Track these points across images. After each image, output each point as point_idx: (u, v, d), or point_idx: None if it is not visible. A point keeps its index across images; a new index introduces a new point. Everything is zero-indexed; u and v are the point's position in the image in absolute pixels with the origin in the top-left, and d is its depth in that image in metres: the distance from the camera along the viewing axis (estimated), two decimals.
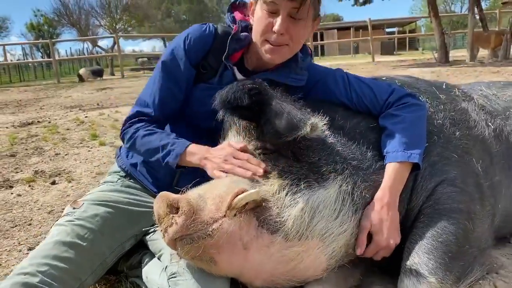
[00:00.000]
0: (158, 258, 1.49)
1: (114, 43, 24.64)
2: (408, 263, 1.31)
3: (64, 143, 4.86)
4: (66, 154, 4.29)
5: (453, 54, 19.53)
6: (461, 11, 40.23)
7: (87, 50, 33.73)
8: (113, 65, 24.18)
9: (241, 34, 1.51)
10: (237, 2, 1.69)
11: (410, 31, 39.48)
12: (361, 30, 31.66)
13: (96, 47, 30.18)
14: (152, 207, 1.56)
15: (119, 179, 1.68)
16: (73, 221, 1.46)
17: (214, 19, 33.20)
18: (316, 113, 1.39)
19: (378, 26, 35.63)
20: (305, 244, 1.24)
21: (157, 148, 1.45)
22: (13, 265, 1.97)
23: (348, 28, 34.14)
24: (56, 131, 5.69)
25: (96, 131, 5.39)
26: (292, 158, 1.36)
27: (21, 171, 3.76)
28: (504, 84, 2.55)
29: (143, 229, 1.59)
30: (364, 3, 18.08)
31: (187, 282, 1.25)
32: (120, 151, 1.78)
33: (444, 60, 14.25)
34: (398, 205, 1.39)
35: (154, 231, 1.56)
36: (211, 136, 1.56)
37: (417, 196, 1.45)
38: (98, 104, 8.76)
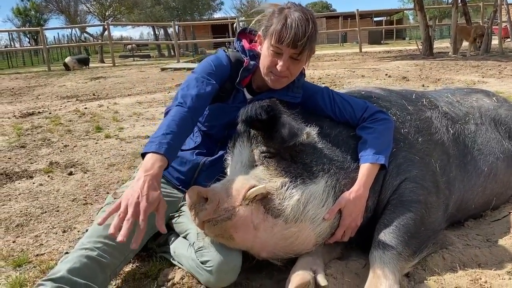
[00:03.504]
0: (184, 237, 1.88)
1: (104, 29, 24.59)
2: (377, 239, 1.72)
3: (70, 135, 5.16)
4: (74, 146, 4.61)
5: (439, 45, 20.05)
6: (447, 2, 40.71)
7: (75, 36, 33.47)
8: (102, 52, 24.13)
9: (250, 63, 1.89)
10: (243, 30, 2.06)
11: (397, 20, 40.01)
12: (349, 19, 32.03)
13: (84, 33, 29.96)
14: (175, 197, 1.99)
15: None
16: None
17: (204, 7, 33.10)
18: (309, 124, 1.79)
19: (366, 15, 36.05)
20: (300, 226, 1.64)
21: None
22: (53, 245, 2.34)
23: (336, 17, 34.49)
24: (59, 122, 5.96)
25: (98, 123, 5.69)
26: (290, 160, 1.74)
27: (35, 162, 4.08)
28: (467, 92, 2.97)
29: (170, 214, 1.98)
30: None
31: (211, 253, 1.65)
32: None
33: (428, 52, 14.70)
34: (370, 197, 1.80)
35: (179, 215, 1.95)
36: (223, 144, 1.95)
37: (386, 190, 1.87)
38: (94, 95, 8.98)
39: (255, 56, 1.91)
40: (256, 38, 1.92)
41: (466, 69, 10.11)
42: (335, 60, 15.78)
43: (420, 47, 15.39)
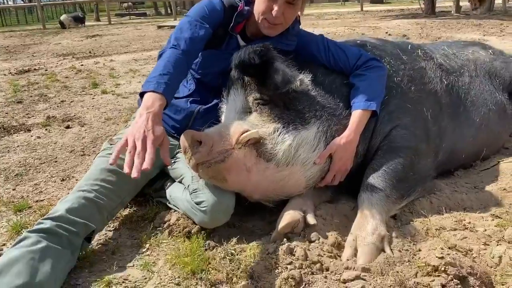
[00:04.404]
0: (180, 182, 1.93)
1: None
2: (366, 182, 1.77)
3: (66, 91, 5.14)
4: (71, 101, 4.61)
5: (442, 4, 19.60)
6: None
7: None
8: (98, 10, 23.58)
9: (244, 8, 1.87)
10: None
11: None
12: None
13: None
14: (171, 145, 1.98)
15: None
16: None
17: None
18: (303, 71, 1.80)
19: None
20: (291, 169, 1.69)
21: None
22: (52, 192, 2.40)
23: None
24: (56, 79, 5.91)
25: (95, 80, 5.65)
26: (283, 107, 1.77)
27: (33, 116, 4.09)
28: (464, 44, 2.96)
29: None
30: None
31: (205, 194, 1.71)
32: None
33: (431, 11, 14.38)
34: (360, 142, 1.83)
35: (174, 162, 1.98)
36: (217, 92, 1.97)
37: (377, 136, 1.90)
38: (90, 52, 8.87)
39: (250, 2, 1.89)
40: None
41: (467, 28, 9.94)
42: (336, 18, 15.45)
43: (423, 6, 15.04)
